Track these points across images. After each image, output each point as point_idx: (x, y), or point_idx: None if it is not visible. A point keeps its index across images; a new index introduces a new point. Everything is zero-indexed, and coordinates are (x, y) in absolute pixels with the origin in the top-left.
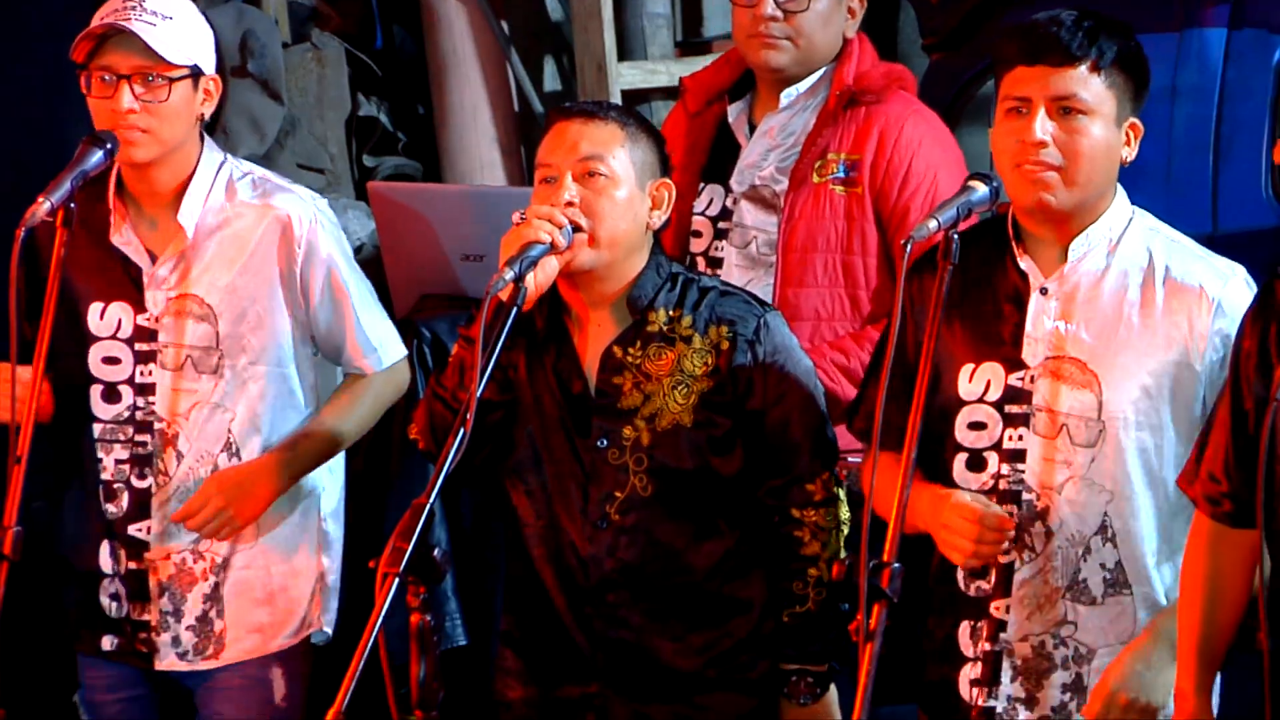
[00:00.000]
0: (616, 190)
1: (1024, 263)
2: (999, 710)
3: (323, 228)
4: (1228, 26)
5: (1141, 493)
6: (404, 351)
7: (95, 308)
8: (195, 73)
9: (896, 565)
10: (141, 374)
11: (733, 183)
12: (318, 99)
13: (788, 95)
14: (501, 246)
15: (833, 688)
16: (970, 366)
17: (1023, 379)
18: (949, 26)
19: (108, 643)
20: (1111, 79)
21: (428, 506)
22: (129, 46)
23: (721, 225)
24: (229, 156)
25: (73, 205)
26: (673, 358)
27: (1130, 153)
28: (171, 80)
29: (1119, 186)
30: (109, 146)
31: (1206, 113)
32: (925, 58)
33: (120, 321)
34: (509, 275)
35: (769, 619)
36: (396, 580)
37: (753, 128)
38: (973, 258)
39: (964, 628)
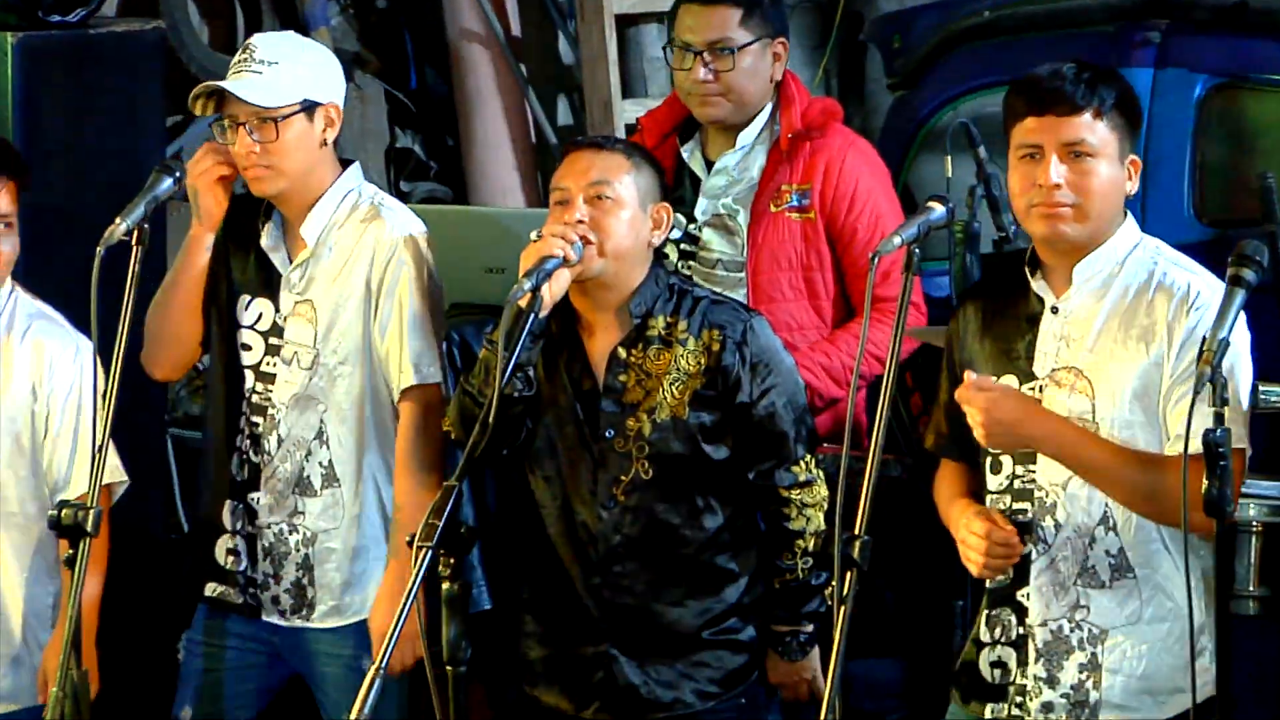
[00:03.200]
0: (622, 210)
1: (1038, 286)
2: (1028, 688)
3: (407, 248)
4: (1154, 66)
5: None
6: (438, 377)
7: (244, 300)
8: (307, 106)
9: (866, 538)
10: (266, 364)
11: (697, 212)
12: (360, 132)
13: (743, 139)
14: (520, 260)
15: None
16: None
17: (1033, 389)
18: (909, 67)
19: (210, 589)
20: (1113, 122)
21: (456, 488)
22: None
23: (685, 248)
24: (363, 183)
25: (146, 226)
26: (670, 358)
27: (1132, 186)
28: (279, 120)
29: (1129, 215)
30: (177, 175)
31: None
32: (889, 94)
33: (260, 315)
34: (527, 285)
35: (757, 587)
36: (429, 552)
37: (709, 163)
38: (999, 285)
39: (983, 616)
